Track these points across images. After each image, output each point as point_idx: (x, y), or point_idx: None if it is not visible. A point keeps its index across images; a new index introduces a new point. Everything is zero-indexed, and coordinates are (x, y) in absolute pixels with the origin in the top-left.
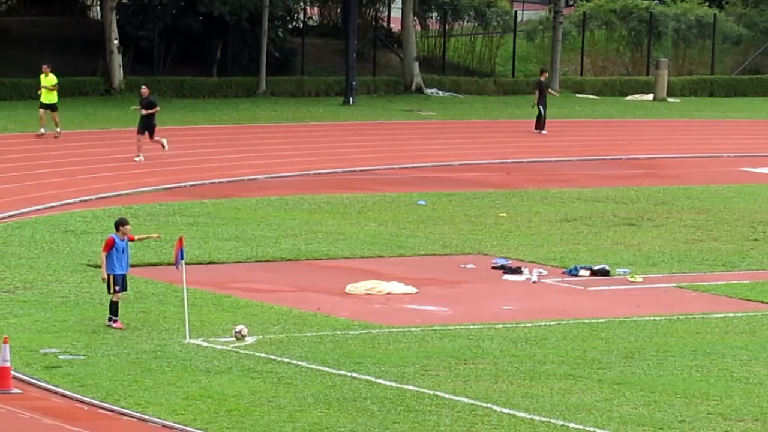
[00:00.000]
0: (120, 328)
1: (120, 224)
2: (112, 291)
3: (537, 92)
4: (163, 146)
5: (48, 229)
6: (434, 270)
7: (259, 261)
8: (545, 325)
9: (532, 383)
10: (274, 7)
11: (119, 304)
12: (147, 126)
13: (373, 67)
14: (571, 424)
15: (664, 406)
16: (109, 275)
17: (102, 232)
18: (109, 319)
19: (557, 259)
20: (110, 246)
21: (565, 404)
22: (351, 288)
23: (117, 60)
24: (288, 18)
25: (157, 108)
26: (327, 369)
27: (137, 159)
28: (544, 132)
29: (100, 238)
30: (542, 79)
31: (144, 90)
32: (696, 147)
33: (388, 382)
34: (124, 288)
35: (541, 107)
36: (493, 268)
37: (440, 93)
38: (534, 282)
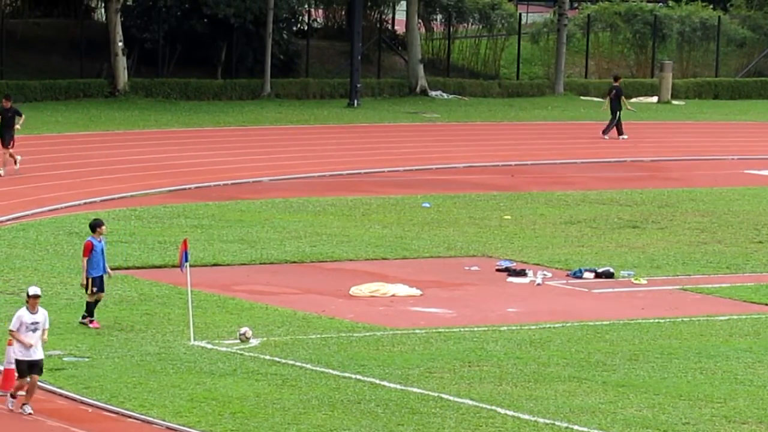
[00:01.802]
0: (96, 328)
1: (96, 225)
2: (90, 292)
3: (622, 98)
4: (15, 162)
5: (52, 231)
6: (438, 272)
7: (264, 263)
8: (549, 327)
9: (536, 385)
10: (278, 10)
11: (97, 305)
12: (11, 136)
13: (378, 69)
14: (576, 427)
15: (668, 409)
16: (88, 278)
17: (105, 235)
18: (84, 317)
19: (561, 262)
20: (90, 250)
21: (569, 406)
22: (355, 290)
23: (122, 62)
24: (292, 20)
25: (23, 117)
26: (331, 371)
27: (2, 172)
28: (625, 136)
29: (106, 238)
30: (617, 84)
31: (6, 102)
32: (700, 149)
33: (392, 385)
34: (101, 289)
35: (620, 112)
36: (498, 270)
37: (445, 95)
38: (538, 284)
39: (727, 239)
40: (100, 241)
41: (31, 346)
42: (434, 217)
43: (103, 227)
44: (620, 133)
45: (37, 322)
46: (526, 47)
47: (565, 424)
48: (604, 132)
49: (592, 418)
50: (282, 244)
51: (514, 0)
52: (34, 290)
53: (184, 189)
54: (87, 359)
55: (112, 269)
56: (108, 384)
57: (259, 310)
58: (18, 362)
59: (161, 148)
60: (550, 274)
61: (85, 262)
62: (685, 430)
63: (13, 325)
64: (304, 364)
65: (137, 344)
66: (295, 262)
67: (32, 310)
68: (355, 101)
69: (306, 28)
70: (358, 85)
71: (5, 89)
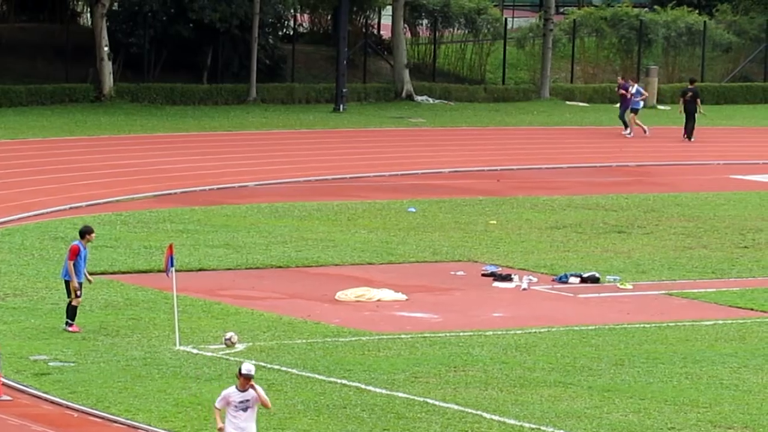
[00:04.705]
0: (77, 332)
1: (86, 232)
2: (74, 296)
3: (698, 101)
4: None
5: (38, 236)
6: (424, 277)
7: (249, 268)
8: (535, 332)
9: (522, 390)
10: (264, 14)
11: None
12: None
13: (364, 74)
14: (561, 431)
15: (653, 414)
16: (68, 282)
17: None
18: (68, 323)
19: (547, 267)
20: (76, 254)
21: (555, 411)
22: (341, 295)
23: (107, 67)
24: (278, 25)
25: None
26: (317, 376)
27: None
28: (692, 139)
29: (90, 245)
30: (693, 86)
31: None
32: (686, 154)
33: (378, 389)
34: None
35: (696, 115)
36: (483, 275)
37: (430, 100)
38: (524, 289)
39: (713, 244)
40: (86, 248)
41: (221, 429)
42: (420, 221)
43: (93, 235)
44: (689, 135)
45: (247, 400)
46: (511, 52)
47: (551, 429)
48: (689, 137)
49: (577, 423)
50: (268, 248)
51: (499, 5)
52: (247, 368)
53: (170, 194)
54: (73, 364)
55: (97, 273)
56: (94, 389)
57: (244, 314)
58: None
59: (147, 153)
60: (535, 279)
61: (71, 265)
62: None
63: (218, 403)
64: (289, 369)
65: (123, 349)
66: (280, 266)
67: (242, 388)
68: (341, 106)
69: (292, 32)
70: (344, 90)
71: None
